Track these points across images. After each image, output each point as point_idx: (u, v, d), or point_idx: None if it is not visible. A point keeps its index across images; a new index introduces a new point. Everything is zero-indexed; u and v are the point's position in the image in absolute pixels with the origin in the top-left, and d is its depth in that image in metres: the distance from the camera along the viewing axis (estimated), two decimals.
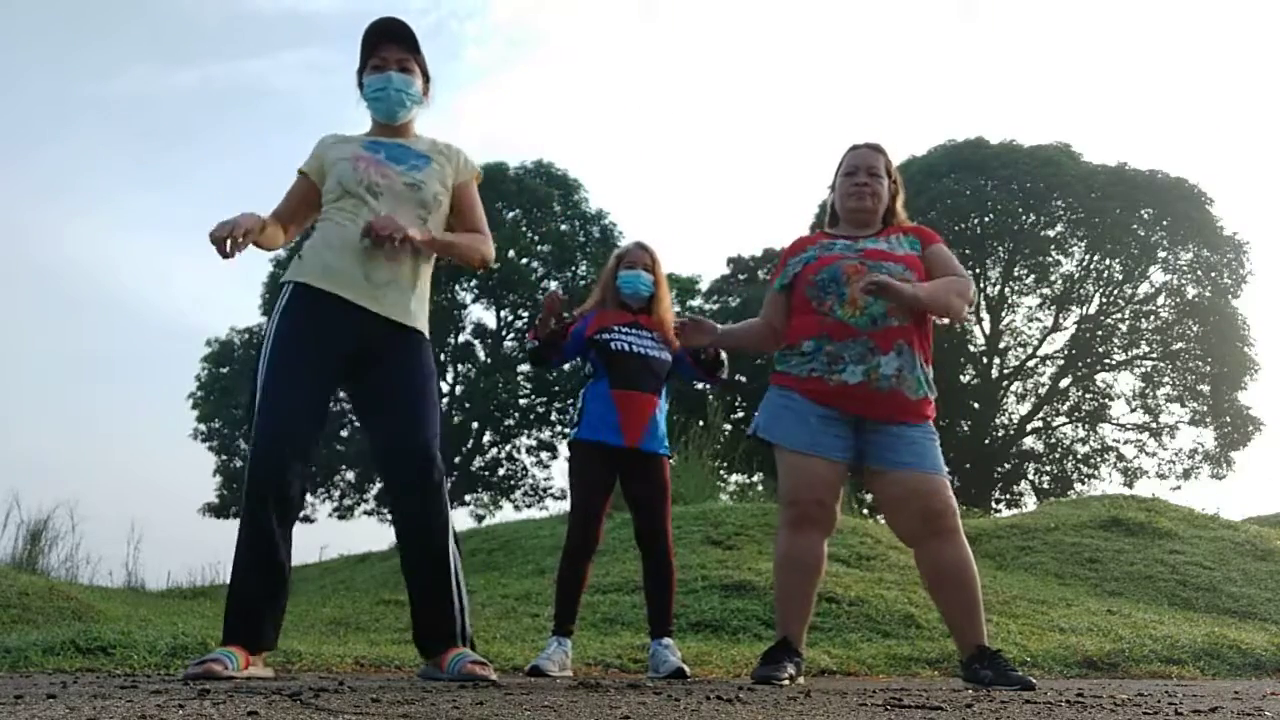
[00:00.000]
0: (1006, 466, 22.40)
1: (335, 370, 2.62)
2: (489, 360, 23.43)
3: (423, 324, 2.74)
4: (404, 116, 2.80)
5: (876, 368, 2.85)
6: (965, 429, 21.81)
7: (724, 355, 3.59)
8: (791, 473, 2.90)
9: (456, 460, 22.77)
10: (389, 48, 2.76)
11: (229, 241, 2.47)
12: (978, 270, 22.10)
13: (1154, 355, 21.57)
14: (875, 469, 2.90)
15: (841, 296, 2.88)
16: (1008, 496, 22.32)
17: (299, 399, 2.54)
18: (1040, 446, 22.71)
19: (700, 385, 3.96)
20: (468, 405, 23.00)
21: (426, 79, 2.83)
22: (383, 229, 2.57)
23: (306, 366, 2.56)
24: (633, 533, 3.57)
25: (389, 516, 2.89)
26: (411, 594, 2.67)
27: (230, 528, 2.59)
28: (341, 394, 2.85)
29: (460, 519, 22.36)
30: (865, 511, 8.18)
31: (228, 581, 2.58)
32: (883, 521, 7.55)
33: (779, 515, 2.98)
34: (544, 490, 23.39)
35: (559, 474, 23.25)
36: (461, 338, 23.68)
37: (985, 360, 22.17)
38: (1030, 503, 21.51)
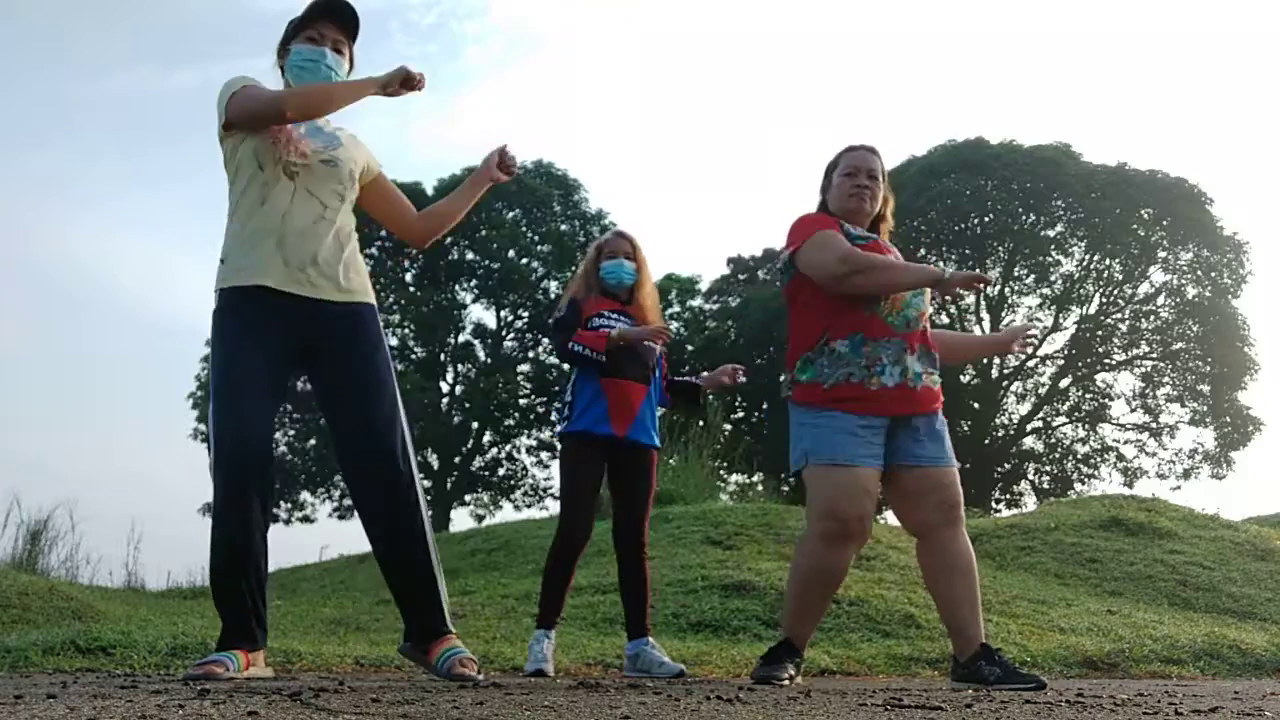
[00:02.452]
0: (1006, 466, 22.40)
1: (283, 365, 2.60)
2: (489, 360, 23.43)
3: (361, 294, 2.69)
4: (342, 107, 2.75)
5: (909, 368, 2.87)
6: (965, 429, 21.79)
7: (705, 398, 3.67)
8: (835, 486, 2.82)
9: (456, 460, 22.78)
10: (329, 26, 2.72)
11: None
12: (978, 270, 22.10)
13: (1154, 355, 21.57)
14: (906, 464, 2.88)
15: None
16: (1008, 496, 22.33)
17: (254, 401, 2.52)
18: (1040, 446, 22.71)
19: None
20: (468, 405, 23.01)
21: (351, 68, 2.81)
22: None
23: (251, 369, 2.53)
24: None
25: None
26: (395, 584, 2.66)
27: None
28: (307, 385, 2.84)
29: (460, 519, 22.37)
30: None
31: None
32: (883, 522, 7.56)
33: (812, 525, 2.88)
34: (544, 490, 23.40)
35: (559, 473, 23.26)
36: (461, 338, 23.70)
37: (985, 360, 22.15)
38: (1030, 503, 21.53)
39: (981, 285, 2.83)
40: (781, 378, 3.05)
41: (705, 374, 3.75)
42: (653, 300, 3.62)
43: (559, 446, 3.52)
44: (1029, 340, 3.13)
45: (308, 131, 2.68)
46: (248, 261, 2.56)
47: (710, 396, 3.67)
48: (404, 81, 2.60)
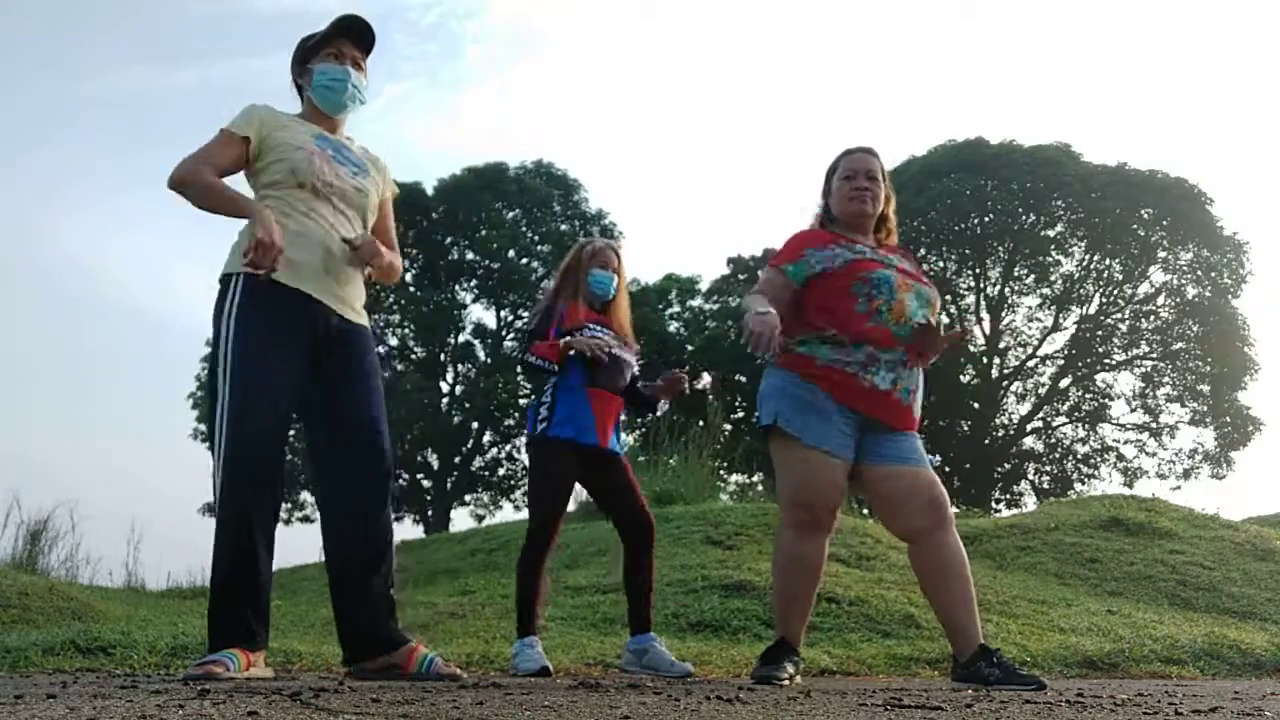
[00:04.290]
0: (1006, 466, 22.40)
1: (303, 364, 2.60)
2: (489, 360, 23.43)
3: (364, 317, 2.78)
4: (347, 112, 2.81)
5: (902, 380, 2.88)
6: (965, 429, 21.81)
7: (664, 405, 3.73)
8: (807, 473, 2.85)
9: (456, 460, 22.78)
10: (349, 44, 2.77)
11: (274, 260, 2.45)
12: (978, 270, 22.12)
13: (1154, 355, 21.57)
14: (877, 465, 2.89)
15: (890, 302, 2.89)
16: (1008, 496, 22.32)
17: (273, 395, 2.51)
18: (1040, 446, 22.71)
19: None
20: (468, 405, 23.01)
21: (367, 83, 2.85)
22: (369, 254, 2.68)
23: (277, 362, 2.52)
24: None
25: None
26: (357, 592, 2.62)
27: None
28: None
29: (460, 519, 22.37)
30: (865, 511, 8.17)
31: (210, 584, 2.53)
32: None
33: (784, 514, 2.93)
34: None
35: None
36: (461, 338, 23.71)
37: (985, 360, 22.16)
38: (1030, 503, 21.53)
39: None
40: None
41: (658, 382, 3.69)
42: (626, 315, 3.63)
43: (536, 448, 3.46)
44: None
45: (339, 157, 2.72)
46: (290, 262, 2.54)
47: (710, 397, 3.69)
48: (256, 242, 2.44)
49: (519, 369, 3.83)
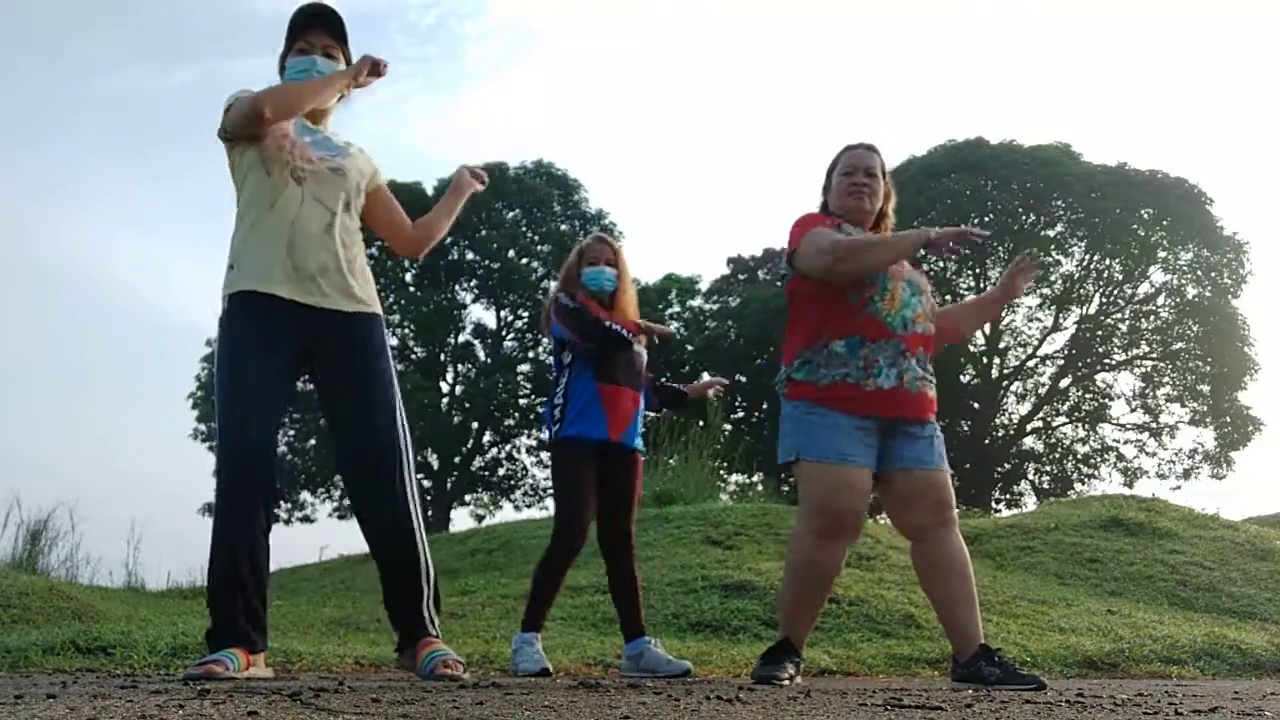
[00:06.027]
0: (1006, 466, 22.40)
1: (288, 370, 2.62)
2: (489, 360, 23.44)
3: (369, 303, 2.70)
4: (324, 103, 2.76)
5: (907, 370, 2.86)
6: (965, 429, 21.80)
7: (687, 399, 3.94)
8: (827, 482, 2.83)
9: (456, 460, 22.78)
10: (316, 33, 2.73)
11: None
12: (978, 270, 22.12)
13: (1154, 355, 21.57)
14: (897, 467, 2.88)
15: (884, 290, 2.88)
16: (1008, 496, 22.33)
17: (259, 402, 2.54)
18: (1040, 446, 22.71)
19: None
20: (468, 405, 23.01)
21: None
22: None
23: (261, 370, 2.55)
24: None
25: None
26: (383, 587, 2.70)
27: None
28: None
29: (460, 519, 22.37)
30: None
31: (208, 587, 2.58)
32: (883, 521, 7.57)
33: (804, 522, 2.89)
34: (544, 490, 23.41)
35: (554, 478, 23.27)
36: (461, 338, 23.71)
37: (985, 360, 22.16)
38: (1030, 503, 21.53)
39: (977, 238, 2.82)
40: (778, 376, 3.05)
41: (693, 383, 3.98)
42: (633, 308, 3.61)
43: (554, 454, 3.51)
44: (1032, 269, 3.15)
45: (316, 142, 2.69)
46: (256, 268, 2.57)
47: (713, 397, 3.79)
48: (371, 70, 2.67)
49: (598, 336, 3.66)
